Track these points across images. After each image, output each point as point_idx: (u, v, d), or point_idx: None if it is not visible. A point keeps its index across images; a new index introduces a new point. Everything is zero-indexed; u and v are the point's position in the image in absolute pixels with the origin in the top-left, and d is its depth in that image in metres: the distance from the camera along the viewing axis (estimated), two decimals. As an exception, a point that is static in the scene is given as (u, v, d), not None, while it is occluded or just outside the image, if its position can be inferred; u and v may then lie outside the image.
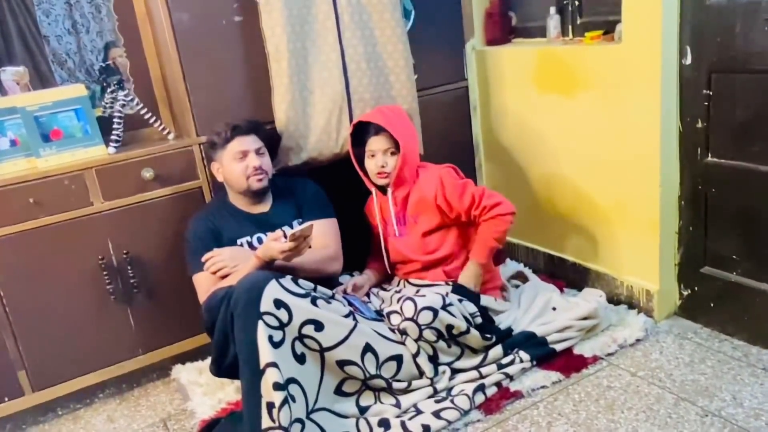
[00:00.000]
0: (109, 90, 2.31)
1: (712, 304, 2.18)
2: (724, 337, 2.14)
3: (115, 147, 2.24)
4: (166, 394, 2.33)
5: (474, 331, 2.03)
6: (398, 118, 2.24)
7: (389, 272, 2.37)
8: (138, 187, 2.22)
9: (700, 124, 2.06)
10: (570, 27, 2.49)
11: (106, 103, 2.34)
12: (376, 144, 2.21)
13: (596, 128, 2.31)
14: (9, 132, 2.18)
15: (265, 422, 1.73)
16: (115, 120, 2.25)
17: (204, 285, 2.09)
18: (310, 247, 2.00)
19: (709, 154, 2.07)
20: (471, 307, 2.09)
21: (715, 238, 2.12)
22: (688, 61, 2.04)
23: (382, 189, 2.29)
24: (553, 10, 2.49)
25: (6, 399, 2.16)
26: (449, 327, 1.99)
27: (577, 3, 2.43)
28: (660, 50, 2.02)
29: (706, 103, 2.03)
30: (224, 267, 2.06)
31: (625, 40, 2.13)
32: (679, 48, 2.05)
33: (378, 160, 2.21)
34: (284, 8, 2.20)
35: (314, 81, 2.31)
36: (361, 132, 2.25)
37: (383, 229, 2.32)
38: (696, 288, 2.23)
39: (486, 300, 2.21)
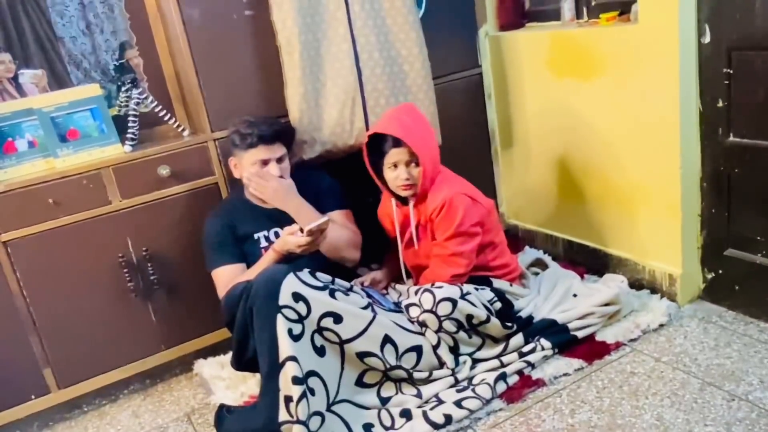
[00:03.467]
0: (123, 89, 2.32)
1: (736, 287, 2.14)
2: (749, 320, 2.11)
3: (131, 145, 2.26)
4: (189, 389, 2.35)
5: (494, 320, 2.02)
6: (416, 125, 2.09)
7: (405, 279, 2.32)
8: (155, 185, 2.23)
9: (720, 104, 2.02)
10: (584, 9, 2.45)
11: (121, 102, 2.36)
12: (397, 156, 2.07)
13: (614, 111, 2.27)
14: (27, 134, 2.20)
15: (282, 416, 1.75)
16: (130, 118, 2.26)
17: (223, 280, 2.11)
18: (326, 238, 2.01)
19: (731, 134, 2.03)
20: (488, 294, 2.07)
21: (739, 219, 2.08)
22: (707, 39, 1.99)
23: (402, 200, 2.19)
24: (566, -8, 2.45)
25: (33, 397, 2.20)
26: (469, 317, 1.97)
27: (591, -16, 2.40)
28: (677, 29, 1.98)
29: (727, 82, 1.98)
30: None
31: (641, 21, 2.08)
32: (697, 27, 2.00)
33: (401, 172, 2.07)
34: (295, 0, 2.19)
35: (326, 73, 2.29)
36: (377, 138, 2.11)
37: (400, 237, 2.24)
38: (720, 271, 2.19)
39: (499, 284, 2.19)
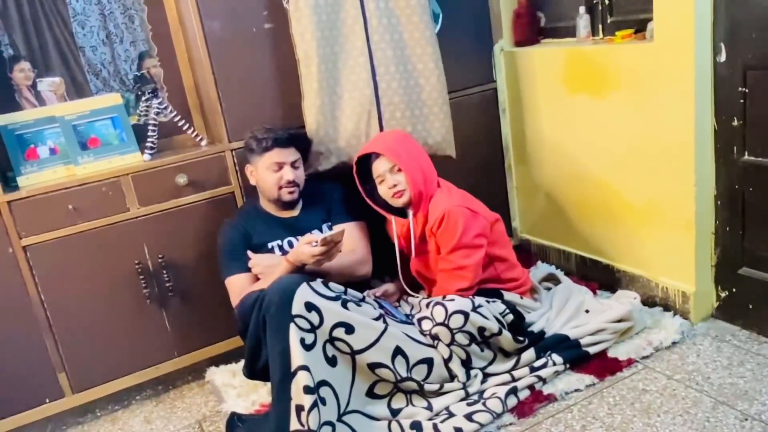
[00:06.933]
0: (143, 98, 2.36)
1: (750, 306, 2.13)
2: (763, 339, 2.09)
3: (150, 154, 2.29)
4: (201, 396, 2.37)
5: (506, 333, 2.02)
6: (395, 141, 2.16)
7: (407, 292, 2.33)
8: (172, 193, 2.26)
9: (735, 122, 2.02)
10: (600, 26, 2.46)
11: (141, 111, 2.40)
12: (379, 167, 2.15)
13: (628, 128, 2.28)
14: (48, 141, 2.25)
15: (294, 425, 1.75)
16: (149, 127, 2.30)
17: (237, 288, 2.12)
18: (340, 251, 2.02)
19: (746, 153, 2.03)
20: (499, 306, 2.08)
21: (753, 238, 2.08)
22: (723, 58, 2.00)
23: (401, 213, 2.23)
24: (582, 9, 2.46)
25: (47, 400, 2.22)
26: (481, 329, 1.98)
27: (607, 2, 2.41)
28: (693, 48, 1.99)
29: (742, 101, 1.99)
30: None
31: (657, 39, 2.10)
32: (712, 45, 2.01)
33: (388, 181, 2.14)
34: (313, 14, 2.23)
35: (343, 85, 2.32)
36: (367, 168, 2.20)
37: (405, 250, 2.27)
38: (734, 289, 2.18)
39: (510, 296, 2.20)
